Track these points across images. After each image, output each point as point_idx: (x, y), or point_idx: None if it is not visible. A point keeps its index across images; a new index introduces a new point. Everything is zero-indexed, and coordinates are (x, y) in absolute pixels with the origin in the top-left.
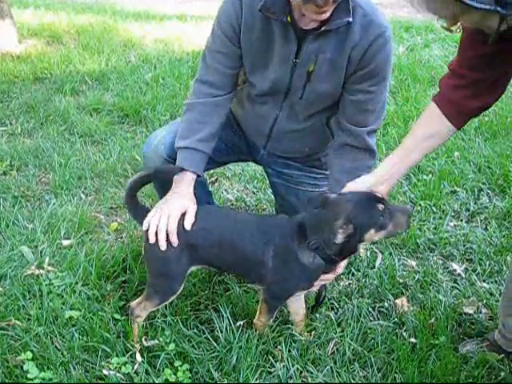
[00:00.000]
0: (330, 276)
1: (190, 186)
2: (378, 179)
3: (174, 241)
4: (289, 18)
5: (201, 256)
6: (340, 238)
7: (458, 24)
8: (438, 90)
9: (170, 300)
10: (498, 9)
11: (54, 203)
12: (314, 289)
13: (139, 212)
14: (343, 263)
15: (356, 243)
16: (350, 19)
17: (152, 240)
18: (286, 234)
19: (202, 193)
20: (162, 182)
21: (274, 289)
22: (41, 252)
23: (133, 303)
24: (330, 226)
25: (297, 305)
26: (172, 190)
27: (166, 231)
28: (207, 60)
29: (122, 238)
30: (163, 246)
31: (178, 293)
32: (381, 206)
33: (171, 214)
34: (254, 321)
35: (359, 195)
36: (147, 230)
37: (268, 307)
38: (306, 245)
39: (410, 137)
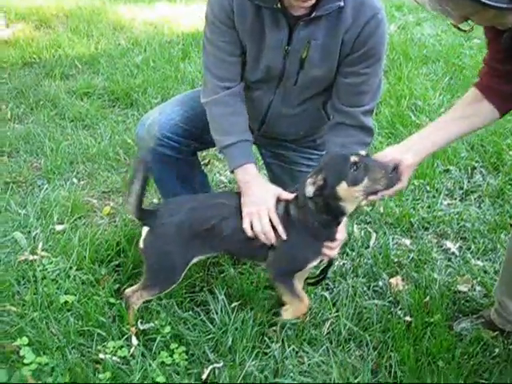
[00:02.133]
0: (335, 245)
1: (261, 177)
2: (402, 148)
3: (272, 238)
4: (279, 5)
5: (209, 244)
6: (310, 190)
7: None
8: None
9: (168, 290)
10: None
11: (47, 188)
12: (324, 258)
13: (142, 210)
14: (342, 230)
15: (333, 198)
16: (342, 3)
17: (264, 239)
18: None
19: (198, 175)
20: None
21: (278, 263)
22: (34, 237)
23: (128, 291)
24: (303, 180)
25: None
26: (251, 188)
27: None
28: (210, 53)
29: (115, 221)
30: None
31: (178, 283)
32: (353, 159)
33: (270, 212)
34: (283, 314)
35: (339, 152)
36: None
37: (284, 285)
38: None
39: (444, 115)
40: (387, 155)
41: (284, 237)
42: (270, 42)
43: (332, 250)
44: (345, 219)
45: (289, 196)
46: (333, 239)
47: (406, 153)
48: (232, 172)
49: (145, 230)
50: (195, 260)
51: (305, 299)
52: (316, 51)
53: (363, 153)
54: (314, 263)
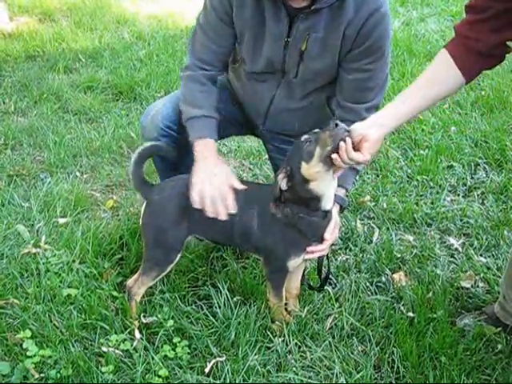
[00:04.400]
0: (323, 246)
1: (219, 156)
2: (367, 123)
3: (231, 207)
4: None
5: (196, 225)
6: (283, 183)
7: None
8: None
9: (167, 271)
10: None
11: (50, 182)
12: (311, 256)
13: (143, 183)
14: (332, 230)
15: (303, 182)
16: None
17: (211, 212)
18: (266, 198)
19: None
20: (166, 160)
21: (269, 259)
22: (37, 230)
23: (129, 281)
24: (275, 176)
25: (292, 283)
26: (205, 159)
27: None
28: (198, 37)
29: (118, 215)
30: (222, 215)
31: (175, 263)
32: (304, 138)
33: (220, 185)
34: (269, 303)
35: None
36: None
37: (272, 284)
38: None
39: (413, 84)
40: (353, 130)
41: (232, 210)
42: (271, 34)
43: (320, 251)
44: (335, 218)
45: (238, 186)
46: (320, 235)
47: (371, 127)
48: (192, 143)
49: (143, 206)
50: (189, 238)
51: (281, 304)
52: (316, 44)
53: (316, 130)
54: (298, 259)
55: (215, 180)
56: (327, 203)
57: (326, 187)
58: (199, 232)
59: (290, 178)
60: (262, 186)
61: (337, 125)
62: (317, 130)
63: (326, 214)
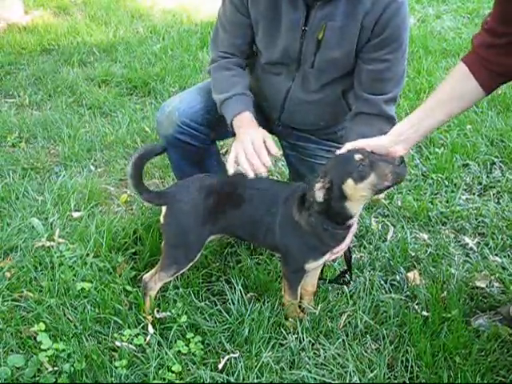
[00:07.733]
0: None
1: (255, 121)
2: (393, 139)
3: (266, 160)
4: None
5: (220, 224)
6: (319, 195)
7: None
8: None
9: (185, 269)
10: None
11: (64, 175)
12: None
13: (142, 186)
14: (350, 234)
15: (340, 198)
16: None
17: (249, 171)
18: (289, 201)
19: (216, 163)
20: (182, 152)
21: (288, 260)
22: (51, 224)
23: (146, 276)
24: (311, 186)
25: (309, 280)
26: (241, 129)
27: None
28: (220, 31)
29: (132, 209)
30: (256, 169)
31: (195, 261)
32: (358, 157)
33: (254, 141)
34: (283, 300)
35: (343, 152)
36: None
37: (288, 283)
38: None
39: (432, 97)
40: (378, 147)
41: (268, 164)
42: (287, 23)
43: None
44: (354, 227)
45: (272, 147)
46: (339, 242)
47: (397, 144)
48: (231, 126)
49: (165, 207)
50: (211, 238)
51: (296, 302)
52: (333, 33)
53: (369, 150)
54: (316, 263)
55: (249, 139)
56: (354, 220)
57: (360, 207)
58: (224, 231)
59: (327, 190)
60: (287, 186)
61: (403, 161)
62: (369, 150)
63: (349, 227)
